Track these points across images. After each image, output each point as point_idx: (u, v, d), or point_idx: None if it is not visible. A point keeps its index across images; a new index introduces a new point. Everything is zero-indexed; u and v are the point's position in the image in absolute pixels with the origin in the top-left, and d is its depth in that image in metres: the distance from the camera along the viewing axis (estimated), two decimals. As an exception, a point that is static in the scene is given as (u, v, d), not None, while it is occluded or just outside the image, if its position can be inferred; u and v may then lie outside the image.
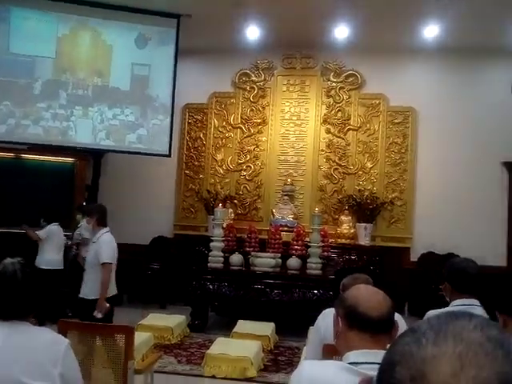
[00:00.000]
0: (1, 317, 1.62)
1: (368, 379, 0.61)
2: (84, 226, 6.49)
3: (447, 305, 2.47)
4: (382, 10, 6.44)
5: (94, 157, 7.97)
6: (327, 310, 2.47)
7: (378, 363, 1.21)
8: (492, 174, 7.45)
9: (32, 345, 1.60)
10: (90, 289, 4.00)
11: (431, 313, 2.40)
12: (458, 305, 2.33)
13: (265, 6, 6.61)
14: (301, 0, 6.36)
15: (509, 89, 7.51)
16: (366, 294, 1.42)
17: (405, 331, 0.58)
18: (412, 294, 7.19)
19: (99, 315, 3.82)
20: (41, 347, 1.60)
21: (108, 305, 3.91)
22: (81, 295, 4.03)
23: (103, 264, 3.95)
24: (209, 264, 6.31)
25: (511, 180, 7.44)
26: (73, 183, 7.50)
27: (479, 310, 2.11)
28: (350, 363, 1.27)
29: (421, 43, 7.27)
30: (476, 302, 2.25)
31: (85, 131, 7.19)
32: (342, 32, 7.20)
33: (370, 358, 1.27)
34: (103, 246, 4.02)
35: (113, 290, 4.11)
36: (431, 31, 6.97)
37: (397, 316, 2.40)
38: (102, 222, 4.20)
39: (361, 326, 1.35)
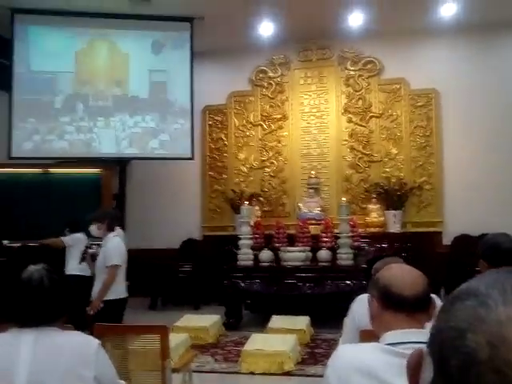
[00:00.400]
0: (31, 324, 1.60)
1: (419, 353, 0.58)
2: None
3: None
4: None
5: (119, 166, 8.10)
6: (360, 296, 2.44)
7: (417, 342, 1.20)
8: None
9: (62, 349, 1.57)
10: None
11: None
12: None
13: (276, 0, 6.58)
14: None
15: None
16: (399, 273, 1.39)
17: (458, 295, 0.54)
18: (448, 278, 7.03)
19: (91, 312, 3.97)
20: (71, 351, 1.57)
21: (101, 305, 4.00)
22: (92, 298, 4.13)
23: (109, 266, 4.07)
24: (239, 262, 6.33)
25: (543, 155, 7.19)
26: (100, 193, 7.64)
27: None
28: (387, 344, 1.24)
29: (438, 23, 7.12)
30: None
31: (108, 141, 7.32)
32: (356, 19, 7.12)
33: (407, 337, 1.24)
34: (111, 248, 4.15)
35: (122, 293, 4.19)
36: (448, 9, 6.82)
37: (434, 296, 2.35)
38: (111, 227, 4.31)
39: (396, 305, 1.32)
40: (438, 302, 2.29)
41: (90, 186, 7.73)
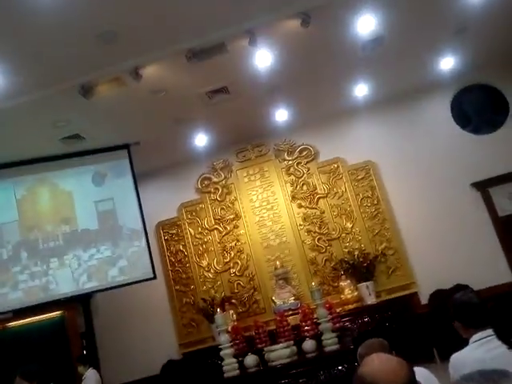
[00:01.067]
0: None
1: None
2: (89, 376, 6.22)
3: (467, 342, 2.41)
4: (311, 85, 6.87)
5: (81, 303, 7.80)
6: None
7: None
8: (466, 197, 7.62)
9: None
10: None
11: (456, 357, 2.34)
12: (476, 340, 2.28)
13: (204, 114, 6.98)
14: (235, 99, 6.74)
15: (450, 116, 7.95)
16: (381, 369, 1.37)
17: None
18: (436, 337, 6.96)
19: None
20: None
21: None
22: None
23: None
24: (225, 374, 6.04)
25: (485, 198, 7.61)
26: (66, 335, 7.25)
27: (496, 341, 2.06)
28: None
29: (356, 102, 7.74)
30: (490, 331, 2.21)
31: (65, 280, 7.10)
32: (282, 115, 7.62)
33: None
34: None
35: None
36: (361, 90, 7.46)
37: (421, 371, 2.34)
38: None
39: None
40: (426, 375, 2.28)
41: (54, 331, 7.35)
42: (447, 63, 7.29)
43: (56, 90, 5.48)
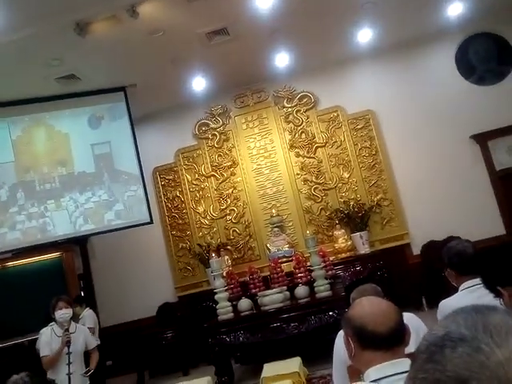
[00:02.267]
0: None
1: None
2: (87, 316, 6.36)
3: (456, 290, 2.45)
4: (313, 28, 6.65)
5: (78, 245, 7.89)
6: (342, 331, 2.43)
7: (399, 372, 1.20)
8: (464, 149, 7.58)
9: None
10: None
11: (445, 303, 2.37)
12: (466, 288, 2.32)
13: (203, 56, 6.79)
14: (235, 41, 6.54)
15: (453, 66, 7.77)
16: (371, 311, 1.39)
17: (443, 342, 0.54)
18: (426, 286, 7.13)
19: None
20: None
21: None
22: None
23: (95, 348, 4.37)
24: (219, 317, 6.19)
25: (483, 150, 7.56)
26: (64, 277, 7.36)
27: (483, 289, 2.09)
28: (372, 381, 1.25)
29: (359, 48, 7.52)
30: (478, 280, 2.24)
31: (62, 222, 7.15)
32: (283, 59, 7.41)
33: (390, 370, 1.26)
34: (88, 333, 4.47)
35: None
36: (365, 35, 7.23)
37: (409, 316, 2.38)
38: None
39: (374, 344, 1.32)
40: (414, 320, 2.32)
41: (52, 271, 7.45)
42: (455, 9, 7.03)
43: (50, 26, 5.31)
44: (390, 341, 1.32)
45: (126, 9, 5.26)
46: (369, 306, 1.41)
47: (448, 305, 2.34)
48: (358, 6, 6.33)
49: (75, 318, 6.31)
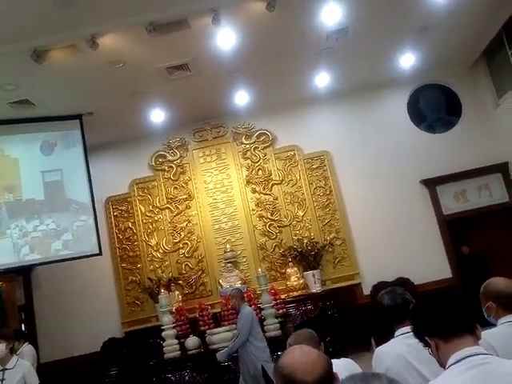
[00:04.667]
0: None
1: None
2: (24, 351, 6.03)
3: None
4: (273, 70, 6.82)
5: (22, 275, 7.55)
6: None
7: None
8: (414, 193, 7.85)
9: None
10: None
11: (380, 350, 2.40)
12: (400, 334, 2.36)
13: (162, 90, 6.81)
14: (195, 77, 6.60)
15: (405, 113, 8.12)
16: (298, 359, 1.40)
17: None
18: (375, 327, 7.18)
19: None
20: None
21: None
22: None
23: None
24: (165, 355, 6.02)
25: (432, 195, 7.85)
26: (2, 308, 6.99)
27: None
28: None
29: (317, 91, 7.75)
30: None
31: (5, 251, 6.82)
32: (242, 97, 7.54)
33: None
34: (32, 371, 4.10)
35: None
36: (322, 79, 7.46)
37: (348, 362, 2.40)
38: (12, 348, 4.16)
39: None
40: (354, 367, 2.34)
41: (-10, 302, 7.08)
42: (407, 60, 7.40)
43: (6, 50, 5.18)
44: None
45: (86, 39, 5.24)
46: (298, 356, 1.43)
47: (383, 351, 2.38)
48: (317, 51, 6.56)
49: (13, 353, 5.99)
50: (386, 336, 2.52)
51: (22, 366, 4.07)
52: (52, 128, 7.16)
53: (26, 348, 6.02)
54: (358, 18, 5.83)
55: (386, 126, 8.11)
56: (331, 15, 5.57)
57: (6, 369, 3.91)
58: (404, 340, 2.30)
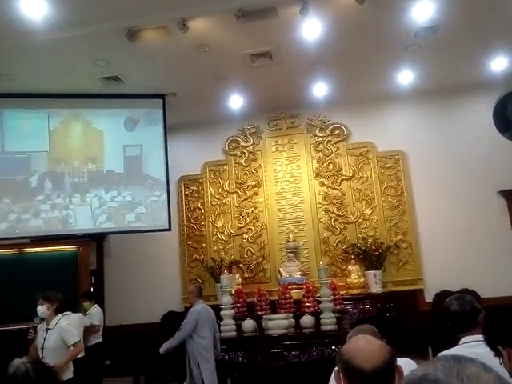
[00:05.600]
0: None
1: None
2: (94, 312, 6.44)
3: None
4: (355, 64, 6.74)
5: (95, 241, 8.03)
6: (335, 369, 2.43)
7: None
8: (490, 204, 7.49)
9: None
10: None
11: (443, 354, 2.36)
12: (466, 342, 2.31)
13: (244, 76, 6.93)
14: (277, 66, 6.67)
15: (490, 119, 7.73)
16: (359, 346, 1.42)
17: (420, 381, 0.60)
18: (434, 335, 6.99)
19: None
20: None
21: None
22: None
23: (75, 344, 4.24)
24: (222, 334, 6.18)
25: (510, 207, 7.46)
26: (77, 270, 7.49)
27: (483, 346, 2.08)
28: None
29: (398, 89, 7.56)
30: (480, 337, 2.23)
31: (84, 217, 7.29)
32: (320, 89, 7.50)
33: None
34: (68, 329, 4.28)
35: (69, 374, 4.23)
36: (406, 77, 7.26)
37: (406, 361, 2.38)
38: (60, 310, 4.39)
39: (358, 379, 1.35)
40: (411, 366, 2.31)
41: (66, 263, 7.59)
42: (499, 64, 7.04)
43: (103, 28, 5.50)
44: (375, 378, 1.33)
45: (177, 21, 5.43)
46: (359, 343, 1.45)
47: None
48: (403, 47, 6.39)
49: (83, 312, 6.42)
50: (444, 345, 2.47)
51: (60, 325, 4.31)
52: (137, 105, 7.52)
53: (95, 309, 6.43)
54: (450, 15, 5.62)
55: (467, 130, 7.78)
56: (423, 11, 5.41)
57: (49, 328, 4.24)
58: (470, 349, 2.25)
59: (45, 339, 4.14)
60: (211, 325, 5.58)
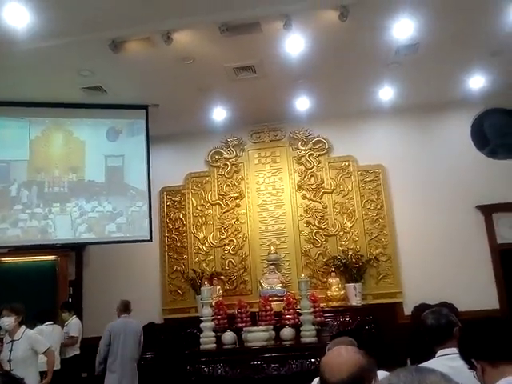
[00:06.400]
0: None
1: None
2: (72, 323, 6.35)
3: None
4: (337, 79, 6.86)
5: (75, 251, 7.94)
6: (317, 378, 2.45)
7: None
8: (468, 218, 7.63)
9: None
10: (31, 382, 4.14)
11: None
12: (442, 355, 2.35)
13: (227, 89, 6.98)
14: (260, 80, 6.74)
15: (468, 135, 7.91)
16: (328, 360, 1.46)
17: None
18: (411, 347, 7.05)
19: None
20: None
21: None
22: None
23: (47, 351, 4.37)
24: (201, 346, 6.16)
25: (487, 222, 7.61)
26: (55, 280, 7.39)
27: (459, 359, 2.12)
28: None
29: (379, 104, 7.70)
30: (455, 350, 2.27)
31: (64, 227, 7.21)
32: (303, 103, 7.60)
33: None
34: (36, 338, 4.42)
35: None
36: (386, 93, 7.40)
37: (382, 374, 2.40)
38: (23, 322, 4.47)
39: None
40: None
41: (45, 273, 7.48)
42: (476, 82, 7.22)
43: (87, 38, 5.49)
44: None
45: (162, 33, 5.47)
46: (331, 356, 1.48)
47: None
48: (384, 64, 6.53)
49: (61, 323, 6.34)
50: (422, 359, 2.51)
51: (28, 335, 4.36)
52: (119, 116, 7.51)
53: (74, 320, 6.35)
54: (430, 35, 5.77)
55: (445, 146, 7.94)
56: (404, 30, 5.53)
57: (14, 340, 4.20)
58: (446, 361, 2.29)
59: (11, 351, 4.09)
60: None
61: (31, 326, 5.62)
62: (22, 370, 4.07)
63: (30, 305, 6.45)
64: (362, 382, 1.39)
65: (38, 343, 4.35)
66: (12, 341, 4.19)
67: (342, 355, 1.46)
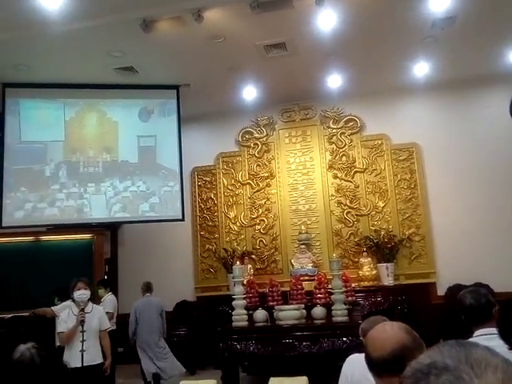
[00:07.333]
0: None
1: None
2: (108, 299, 6.54)
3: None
4: (370, 55, 6.69)
5: (110, 230, 8.12)
6: (352, 356, 2.45)
7: None
8: (506, 198, 7.39)
9: None
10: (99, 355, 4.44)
11: None
12: (480, 335, 2.31)
13: (258, 67, 6.92)
14: (291, 57, 6.64)
15: (507, 111, 7.61)
16: (373, 335, 1.44)
17: (428, 370, 0.59)
18: (444, 329, 6.97)
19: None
20: None
21: None
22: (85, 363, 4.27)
23: (106, 330, 4.60)
24: (233, 323, 6.23)
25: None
26: (91, 258, 7.61)
27: (498, 339, 2.08)
28: None
29: (413, 81, 7.48)
30: (494, 330, 2.22)
31: (99, 206, 7.38)
32: (335, 81, 7.46)
33: None
34: (104, 315, 4.73)
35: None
36: (421, 69, 7.18)
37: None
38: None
39: (368, 365, 1.37)
40: None
41: (81, 251, 7.72)
42: (517, 56, 6.92)
43: (117, 19, 5.52)
44: (380, 367, 1.34)
45: (192, 12, 5.44)
46: (376, 331, 1.46)
47: None
48: (419, 39, 6.33)
49: (97, 299, 6.52)
50: (456, 339, 2.46)
51: (98, 310, 4.61)
52: (151, 96, 7.57)
53: (110, 297, 6.52)
54: (468, 7, 5.54)
55: (483, 123, 7.67)
56: (441, 2, 5.33)
57: (86, 312, 4.35)
58: (483, 341, 2.24)
59: (83, 322, 4.29)
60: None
61: (51, 302, 5.84)
62: (93, 341, 4.37)
63: (67, 282, 6.69)
64: (403, 360, 1.36)
65: (105, 319, 4.61)
66: (84, 313, 4.38)
67: (387, 331, 1.44)
